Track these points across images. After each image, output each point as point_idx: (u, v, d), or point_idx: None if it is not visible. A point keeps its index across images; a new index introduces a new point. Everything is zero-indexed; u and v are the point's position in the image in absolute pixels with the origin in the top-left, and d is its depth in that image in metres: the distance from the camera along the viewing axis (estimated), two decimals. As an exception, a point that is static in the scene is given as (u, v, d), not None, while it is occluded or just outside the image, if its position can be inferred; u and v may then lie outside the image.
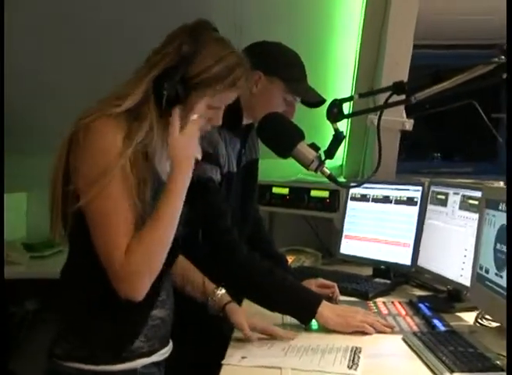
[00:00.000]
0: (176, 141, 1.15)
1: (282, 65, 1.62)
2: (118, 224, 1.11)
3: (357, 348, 1.32)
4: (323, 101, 1.65)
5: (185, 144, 1.15)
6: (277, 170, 2.44)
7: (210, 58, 1.17)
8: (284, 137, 1.38)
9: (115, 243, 1.10)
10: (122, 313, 1.18)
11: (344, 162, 2.61)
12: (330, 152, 1.37)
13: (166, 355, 1.29)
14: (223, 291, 1.41)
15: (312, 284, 1.70)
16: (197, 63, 1.16)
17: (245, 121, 1.63)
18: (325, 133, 1.51)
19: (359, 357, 1.27)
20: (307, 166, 1.36)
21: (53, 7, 2.26)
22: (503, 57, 1.22)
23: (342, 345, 1.33)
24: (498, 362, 1.18)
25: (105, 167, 1.09)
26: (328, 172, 1.37)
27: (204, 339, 1.32)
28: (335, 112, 1.34)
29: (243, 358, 1.26)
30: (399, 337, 1.41)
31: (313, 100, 1.65)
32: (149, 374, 1.25)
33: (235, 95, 1.24)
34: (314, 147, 1.37)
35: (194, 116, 1.16)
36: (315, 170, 1.36)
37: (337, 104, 1.35)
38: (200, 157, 1.27)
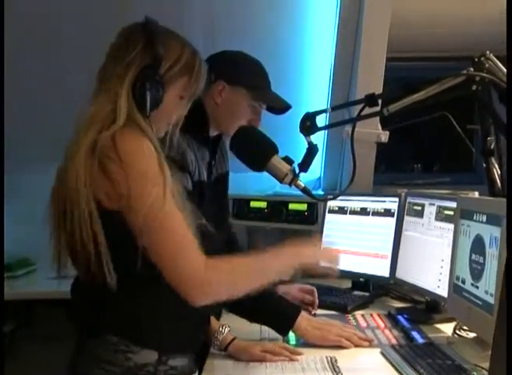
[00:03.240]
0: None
1: (244, 73, 1.60)
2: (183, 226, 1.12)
3: (331, 357, 1.35)
4: (289, 107, 1.65)
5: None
6: (254, 184, 2.43)
7: (172, 54, 1.20)
8: (257, 151, 1.37)
9: (193, 254, 1.12)
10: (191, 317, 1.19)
11: (322, 175, 2.61)
12: (304, 165, 1.37)
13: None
14: (227, 329, 1.40)
15: (293, 289, 1.70)
16: (163, 63, 1.18)
17: (212, 132, 1.61)
18: (299, 147, 1.51)
19: (338, 366, 1.30)
20: (281, 180, 1.36)
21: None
22: (471, 69, 1.24)
23: (316, 356, 1.35)
24: (475, 374, 1.17)
25: (155, 169, 1.09)
26: (303, 185, 1.37)
27: None
28: (307, 125, 1.34)
29: None
30: (377, 350, 1.41)
31: (279, 106, 1.64)
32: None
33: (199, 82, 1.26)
34: (288, 160, 1.37)
35: None
36: (289, 184, 1.36)
37: (310, 117, 1.35)
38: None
